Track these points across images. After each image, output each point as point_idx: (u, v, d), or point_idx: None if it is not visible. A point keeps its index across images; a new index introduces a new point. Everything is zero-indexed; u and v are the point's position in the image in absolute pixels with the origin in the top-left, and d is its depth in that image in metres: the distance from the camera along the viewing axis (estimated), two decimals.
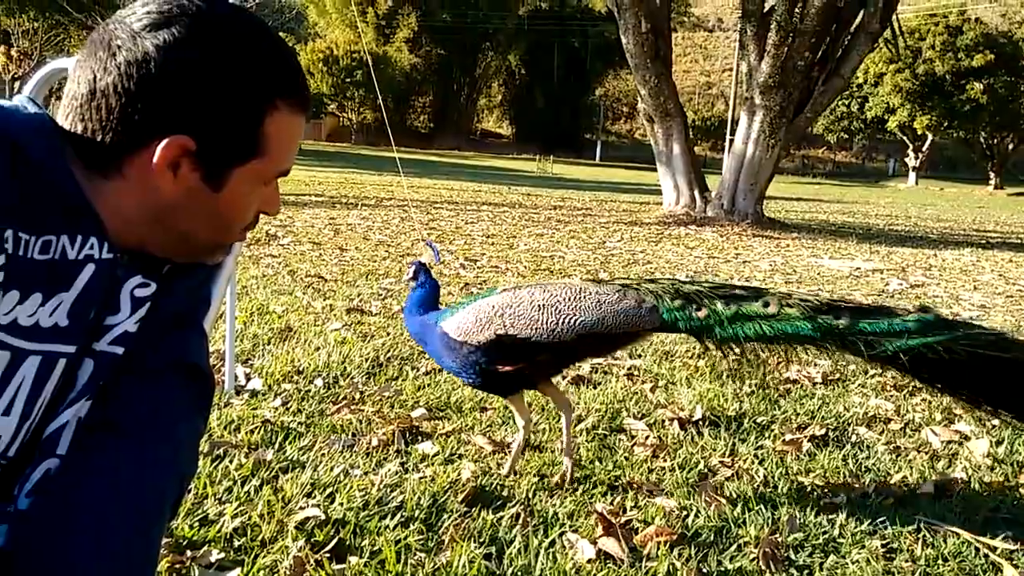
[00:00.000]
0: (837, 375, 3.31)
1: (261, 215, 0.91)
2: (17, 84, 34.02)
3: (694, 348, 3.60)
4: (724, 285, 2.08)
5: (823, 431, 2.53)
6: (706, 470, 2.19)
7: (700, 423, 2.54)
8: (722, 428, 2.50)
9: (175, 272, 0.92)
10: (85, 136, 0.78)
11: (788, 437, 2.47)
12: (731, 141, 14.08)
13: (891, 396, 3.05)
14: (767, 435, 2.49)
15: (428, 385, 2.78)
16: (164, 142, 0.77)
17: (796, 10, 10.21)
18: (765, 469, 2.21)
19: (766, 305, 1.94)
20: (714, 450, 2.34)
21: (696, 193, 11.51)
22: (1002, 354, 1.81)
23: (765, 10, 10.61)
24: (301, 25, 44.47)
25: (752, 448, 2.37)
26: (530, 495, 1.94)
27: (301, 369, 2.86)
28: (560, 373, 2.36)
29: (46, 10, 39.04)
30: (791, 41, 10.25)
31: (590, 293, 1.95)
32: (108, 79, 0.76)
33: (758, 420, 2.62)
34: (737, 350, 1.98)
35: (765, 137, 10.70)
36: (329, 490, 1.87)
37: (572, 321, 1.91)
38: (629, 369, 3.18)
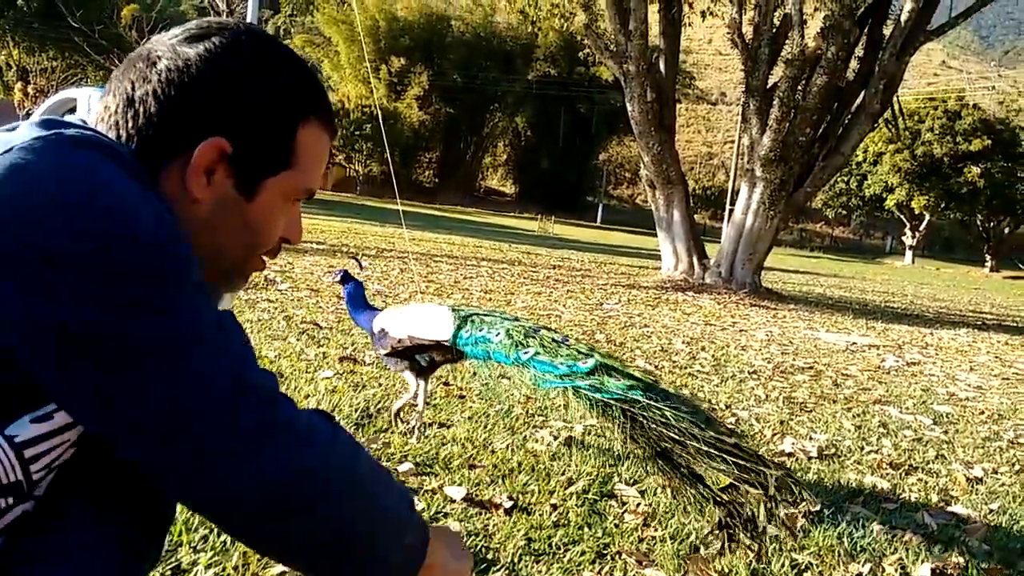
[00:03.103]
0: (832, 450, 3.27)
1: (283, 243, 0.90)
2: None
3: None
4: (511, 319, 2.41)
5: (818, 507, 2.47)
6: (698, 542, 2.13)
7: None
8: (711, 502, 2.44)
9: None
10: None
11: (782, 512, 2.41)
12: (731, 211, 14.24)
13: (887, 474, 3.00)
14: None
15: (417, 439, 2.73)
16: (202, 144, 0.77)
17: (799, 88, 10.45)
18: (758, 544, 2.15)
19: (497, 334, 2.30)
20: (707, 521, 2.27)
21: (695, 260, 11.58)
22: (632, 405, 1.95)
23: (768, 86, 10.86)
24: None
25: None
26: (515, 559, 1.88)
27: None
28: (425, 366, 2.70)
29: (65, 51, 39.95)
30: (793, 117, 10.46)
31: (426, 311, 2.62)
32: (148, 87, 0.77)
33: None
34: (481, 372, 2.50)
35: (765, 209, 10.82)
36: None
37: (414, 329, 2.57)
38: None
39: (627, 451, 2.28)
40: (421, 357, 2.64)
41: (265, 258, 0.89)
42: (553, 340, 2.22)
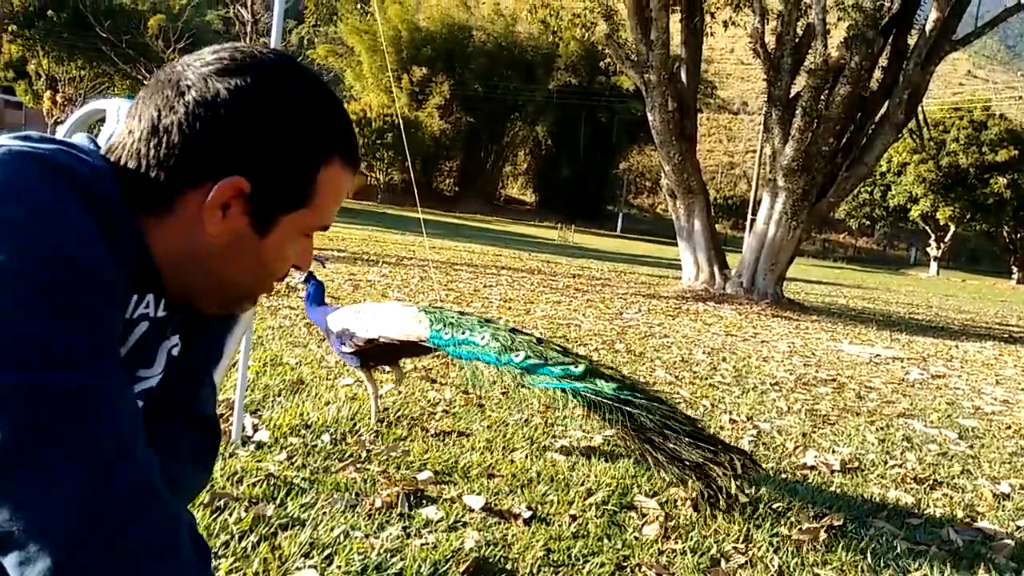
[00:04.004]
0: (856, 463, 3.22)
1: (293, 269, 0.89)
2: (58, 127, 35.17)
3: (709, 426, 3.53)
4: (488, 322, 2.68)
5: (841, 521, 2.44)
6: (718, 555, 2.11)
7: (714, 505, 2.46)
8: (736, 512, 2.42)
9: (195, 325, 0.92)
10: (139, 172, 0.77)
11: (805, 526, 2.38)
12: (752, 221, 14.15)
13: (911, 488, 2.95)
14: (783, 522, 2.41)
15: (436, 448, 2.73)
16: (221, 182, 0.76)
17: (822, 97, 10.37)
18: (780, 558, 2.13)
19: (482, 337, 2.56)
20: (727, 535, 2.26)
21: (716, 270, 11.51)
22: (623, 404, 2.37)
23: (791, 96, 10.79)
24: (337, 87, 45.87)
25: (767, 535, 2.28)
26: (534, 571, 1.87)
27: (309, 423, 2.83)
28: (383, 363, 3.00)
29: (93, 60, 40.63)
30: (816, 127, 10.38)
31: (395, 311, 2.78)
32: (174, 117, 0.76)
33: (774, 506, 2.53)
34: (463, 367, 2.62)
35: (787, 219, 10.73)
36: (328, 551, 1.81)
37: (379, 328, 2.72)
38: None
39: (617, 439, 2.71)
40: (385, 356, 2.85)
41: (275, 282, 0.89)
42: (536, 341, 2.58)
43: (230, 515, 1.92)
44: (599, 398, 2.37)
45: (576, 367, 2.44)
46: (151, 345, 0.83)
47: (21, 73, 42.69)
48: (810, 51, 10.57)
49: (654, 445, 2.35)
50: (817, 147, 10.40)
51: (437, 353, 2.88)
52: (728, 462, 2.30)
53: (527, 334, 2.65)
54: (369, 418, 2.97)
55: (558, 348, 2.60)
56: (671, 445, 2.33)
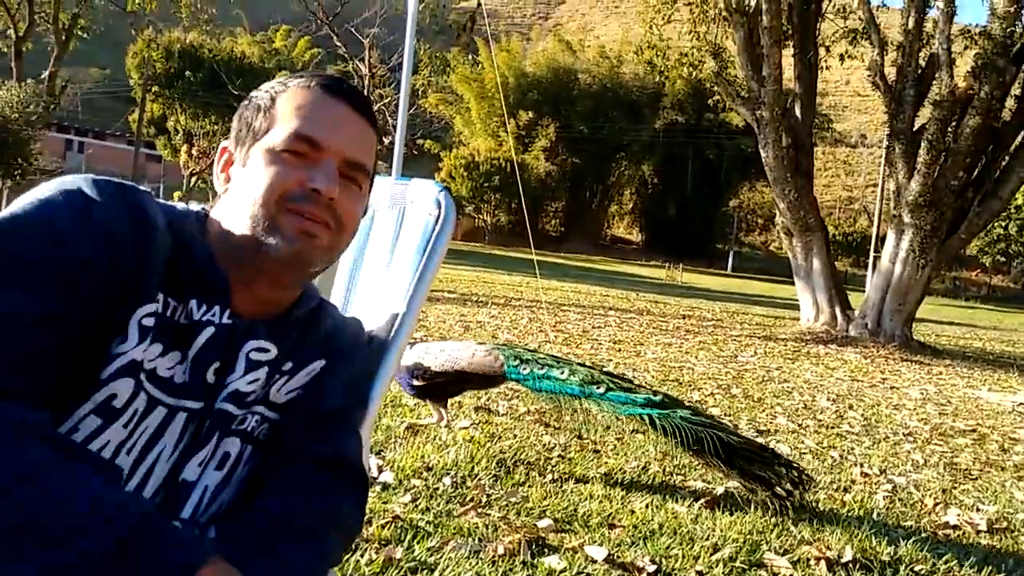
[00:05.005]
0: (1004, 523, 2.98)
1: (317, 195, 0.90)
2: (194, 179, 37.97)
3: (839, 480, 3.36)
4: (557, 358, 3.01)
5: None
6: None
7: (850, 565, 2.32)
8: (875, 573, 2.28)
9: (326, 370, 0.99)
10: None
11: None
12: (876, 258, 13.50)
13: None
14: None
15: (554, 494, 2.72)
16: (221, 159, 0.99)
17: (949, 130, 9.85)
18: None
19: (562, 372, 2.86)
20: (764, 498, 2.12)
21: (837, 310, 11.01)
22: (700, 428, 2.68)
23: (915, 128, 10.31)
24: (447, 134, 47.31)
25: None
26: None
27: (430, 466, 2.88)
28: (452, 395, 3.28)
29: (225, 115, 43.74)
30: (943, 160, 9.86)
31: (469, 347, 3.01)
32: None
33: (916, 568, 2.37)
34: (547, 401, 2.92)
35: (915, 257, 10.18)
36: None
37: (453, 360, 2.96)
38: (766, 497, 2.99)
39: (689, 458, 3.01)
40: (454, 387, 3.11)
41: (307, 212, 0.90)
42: (608, 374, 2.97)
43: (362, 556, 1.98)
44: (678, 423, 2.69)
45: (656, 396, 2.81)
46: (222, 349, 0.90)
47: (161, 129, 46.47)
48: (934, 82, 10.09)
49: (725, 463, 2.70)
50: (945, 181, 9.86)
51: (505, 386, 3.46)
52: (785, 473, 2.75)
53: (599, 368, 3.07)
54: (491, 464, 3.00)
55: (630, 381, 3.06)
56: (740, 462, 2.71)
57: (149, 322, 0.85)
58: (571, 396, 2.82)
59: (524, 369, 2.89)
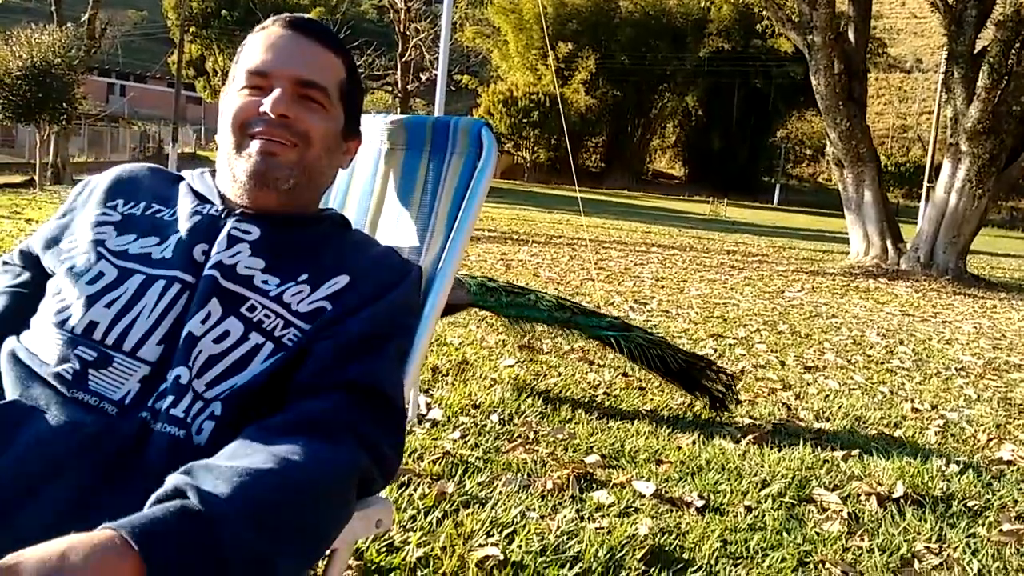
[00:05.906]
0: None
1: (266, 116, 1.00)
2: None
3: (889, 416, 3.32)
4: (523, 288, 3.22)
5: None
6: (909, 555, 1.99)
7: (902, 501, 2.31)
8: (927, 509, 2.26)
9: (350, 287, 0.99)
10: None
11: (1006, 527, 2.19)
12: (929, 189, 13.06)
13: None
14: (980, 522, 2.23)
15: (601, 431, 2.74)
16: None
17: (1012, 52, 9.35)
18: (980, 561, 1.98)
19: (530, 299, 3.07)
20: (919, 533, 2.12)
21: (888, 243, 10.74)
22: (652, 348, 3.06)
23: (976, 51, 9.81)
24: (484, 68, 46.45)
25: (963, 535, 2.12)
26: (712, 561, 1.84)
27: (478, 403, 2.92)
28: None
29: None
30: (1006, 85, 9.38)
31: None
32: None
33: (969, 504, 2.35)
34: (516, 325, 3.16)
35: (971, 187, 9.82)
36: (507, 531, 1.87)
37: None
38: (816, 432, 2.98)
39: (645, 373, 3.27)
40: None
41: (264, 134, 1.01)
42: (571, 302, 3.25)
43: (415, 490, 2.03)
44: (640, 343, 3.05)
45: (616, 320, 3.20)
46: (208, 230, 1.00)
47: (200, 71, 46.52)
48: (997, 1, 9.54)
49: (667, 367, 3.05)
50: (1007, 107, 9.42)
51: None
52: (716, 376, 3.09)
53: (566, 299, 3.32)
54: (538, 401, 3.03)
55: (590, 308, 3.37)
56: (693, 374, 3.07)
57: (110, 218, 1.03)
58: (539, 321, 3.10)
59: (491, 297, 3.02)
